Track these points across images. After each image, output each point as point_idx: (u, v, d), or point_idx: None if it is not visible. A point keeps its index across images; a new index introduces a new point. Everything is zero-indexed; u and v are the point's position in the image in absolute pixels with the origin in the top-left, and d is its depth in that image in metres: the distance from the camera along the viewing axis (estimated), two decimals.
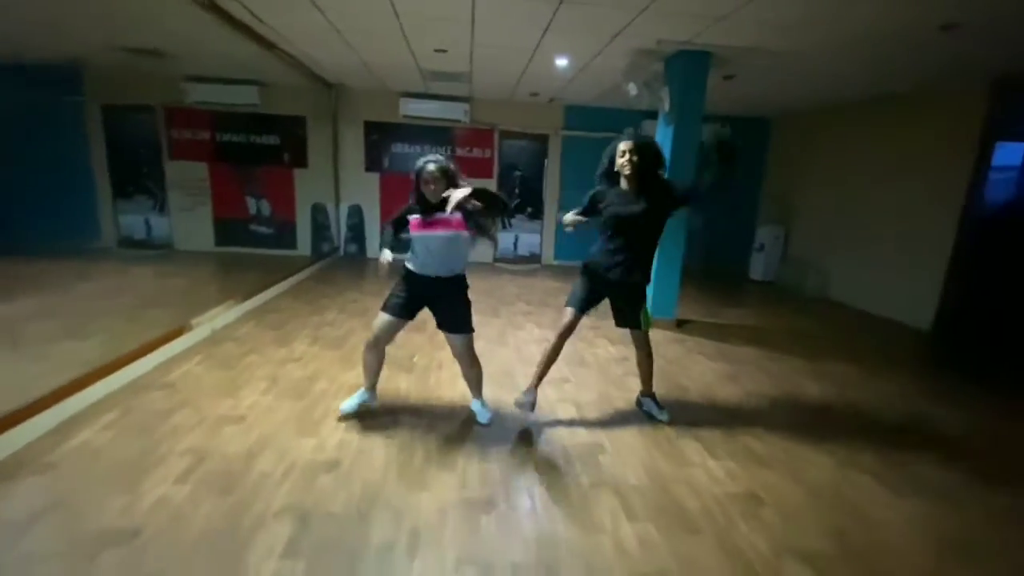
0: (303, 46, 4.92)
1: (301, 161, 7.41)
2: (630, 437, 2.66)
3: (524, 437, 2.61)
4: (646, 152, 2.61)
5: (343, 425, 2.60)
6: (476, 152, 7.59)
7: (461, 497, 2.08)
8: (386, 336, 2.61)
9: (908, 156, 5.46)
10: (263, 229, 7.57)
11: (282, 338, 3.86)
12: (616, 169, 2.67)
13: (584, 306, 2.76)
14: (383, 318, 2.56)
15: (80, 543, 1.71)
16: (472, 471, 2.26)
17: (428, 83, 6.36)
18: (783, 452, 2.58)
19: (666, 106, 4.46)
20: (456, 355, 2.68)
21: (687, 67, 4.27)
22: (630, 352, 3.90)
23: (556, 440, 2.60)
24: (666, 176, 2.78)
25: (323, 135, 7.30)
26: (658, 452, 2.51)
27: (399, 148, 7.47)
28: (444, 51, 4.74)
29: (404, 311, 2.57)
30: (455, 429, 2.63)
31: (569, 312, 2.75)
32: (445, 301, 2.58)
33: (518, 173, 7.72)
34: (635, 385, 3.29)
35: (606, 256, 2.71)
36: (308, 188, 7.49)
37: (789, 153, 7.39)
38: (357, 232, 7.72)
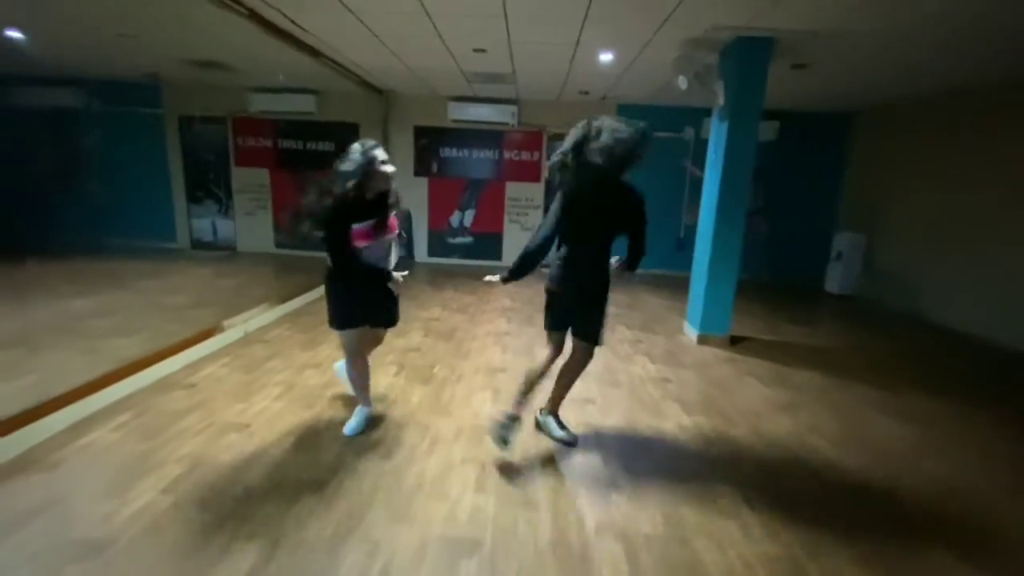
0: (347, 52, 4.97)
1: None
2: (652, 474, 2.33)
3: (529, 466, 2.36)
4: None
5: (343, 441, 2.48)
6: (524, 155, 7.41)
7: (445, 534, 1.87)
8: (364, 348, 2.59)
9: (1017, 156, 4.63)
10: (317, 232, 7.79)
11: (309, 342, 3.86)
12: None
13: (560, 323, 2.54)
14: (350, 334, 2.46)
15: (54, 551, 1.69)
16: (463, 505, 2.05)
17: (474, 86, 6.26)
18: (841, 508, 2.15)
19: (720, 100, 4.04)
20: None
21: (745, 56, 3.83)
22: (673, 373, 3.57)
23: (564, 471, 2.33)
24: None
25: (375, 140, 7.40)
26: (683, 495, 2.18)
27: (448, 152, 7.45)
28: (483, 51, 4.60)
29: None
30: (458, 452, 2.44)
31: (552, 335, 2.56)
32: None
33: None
34: (672, 412, 2.95)
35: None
36: None
37: (873, 152, 6.57)
38: (407, 236, 7.75)
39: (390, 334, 4.10)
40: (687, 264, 5.46)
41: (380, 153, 2.25)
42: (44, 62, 6.25)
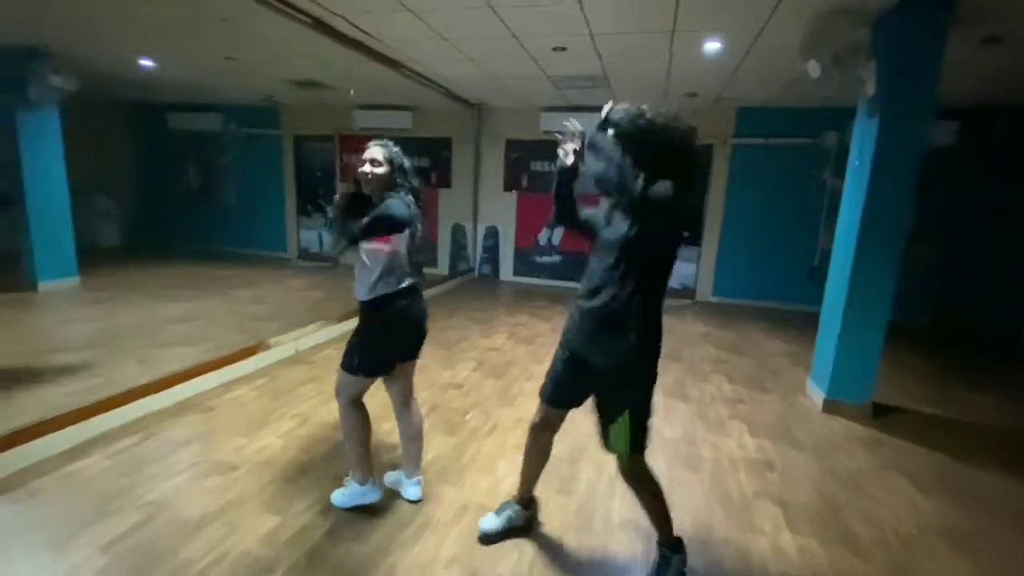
0: (422, 61, 4.75)
1: (445, 182, 7.47)
2: None
3: None
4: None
5: (323, 504, 2.05)
6: None
7: None
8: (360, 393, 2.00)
9: None
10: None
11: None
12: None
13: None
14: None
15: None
16: None
17: (565, 93, 5.72)
18: None
19: (871, 89, 3.02)
20: None
21: (910, 26, 2.82)
22: (780, 455, 2.63)
23: None
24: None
25: (466, 155, 7.23)
26: None
27: (537, 166, 6.99)
28: (563, 49, 4.05)
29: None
30: (449, 549, 1.87)
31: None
32: None
33: None
34: (768, 522, 2.09)
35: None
36: (450, 208, 7.50)
37: None
38: (492, 253, 7.44)
39: (438, 364, 3.78)
40: (819, 299, 4.34)
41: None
42: (185, 90, 7.09)
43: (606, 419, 1.65)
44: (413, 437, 2.08)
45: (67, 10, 3.81)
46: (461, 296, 6.19)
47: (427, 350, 3.99)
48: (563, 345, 1.75)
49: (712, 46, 3.79)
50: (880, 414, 3.16)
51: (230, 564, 1.70)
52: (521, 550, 1.86)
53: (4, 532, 1.82)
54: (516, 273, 7.32)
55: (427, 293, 5.92)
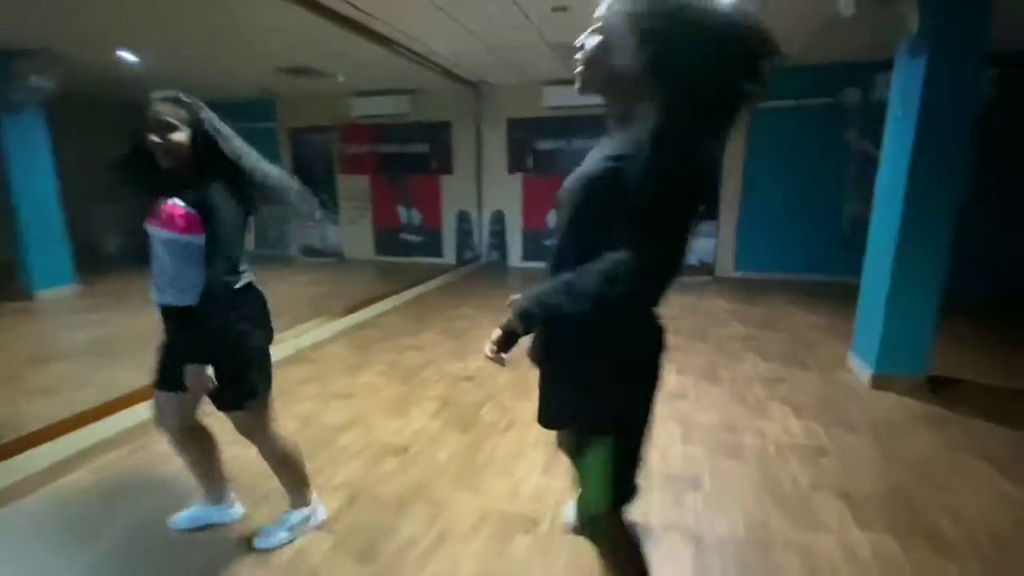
0: (419, 36, 4.45)
1: (447, 167, 7.18)
2: None
3: None
4: None
5: (332, 512, 1.82)
6: None
7: None
8: (172, 416, 1.63)
9: None
10: (413, 237, 7.57)
11: (355, 365, 3.34)
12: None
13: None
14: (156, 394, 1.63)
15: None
16: None
17: (566, 62, 5.38)
18: None
19: (914, 27, 2.68)
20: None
21: None
22: (832, 438, 2.35)
23: None
24: None
25: (467, 138, 6.94)
26: None
27: (543, 145, 6.67)
28: (564, 8, 3.74)
29: (166, 379, 1.57)
30: (467, 555, 1.62)
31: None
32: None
33: None
34: (832, 516, 1.82)
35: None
36: (453, 194, 7.22)
37: None
38: (499, 239, 7.16)
39: (447, 355, 3.54)
40: (853, 267, 3.97)
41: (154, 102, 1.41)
42: (180, 86, 6.83)
43: None
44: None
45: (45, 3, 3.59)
46: (469, 285, 5.94)
47: (437, 341, 3.83)
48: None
49: None
50: (939, 388, 2.86)
51: None
52: (551, 559, 1.61)
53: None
54: (525, 258, 7.03)
55: (434, 283, 5.75)
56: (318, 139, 7.70)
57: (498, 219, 7.08)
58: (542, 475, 2.08)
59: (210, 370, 1.40)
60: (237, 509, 1.82)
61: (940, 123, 2.64)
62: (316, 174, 7.80)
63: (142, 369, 3.13)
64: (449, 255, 7.37)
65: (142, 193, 1.47)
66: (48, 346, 3.83)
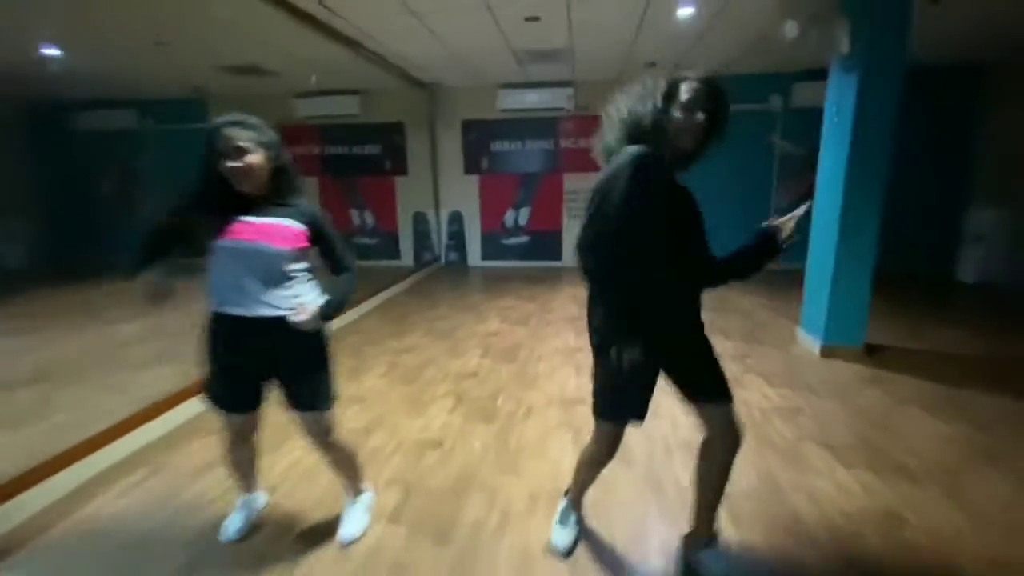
0: (386, 41, 4.46)
1: (401, 168, 7.15)
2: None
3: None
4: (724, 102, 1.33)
5: (394, 507, 1.90)
6: (583, 143, 6.67)
7: None
8: (249, 434, 1.68)
9: None
10: (367, 240, 7.45)
11: (354, 371, 3.35)
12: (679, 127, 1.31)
13: (646, 407, 1.44)
14: (224, 415, 1.61)
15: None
16: None
17: (526, 68, 5.61)
18: None
19: (845, 47, 3.16)
20: (305, 435, 1.67)
21: None
22: (804, 401, 2.75)
23: None
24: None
25: (421, 139, 6.95)
26: None
27: (498, 146, 6.84)
28: (536, 19, 3.94)
29: (233, 399, 1.57)
30: (535, 530, 1.79)
31: (614, 429, 1.49)
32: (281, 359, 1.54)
33: None
34: (822, 463, 2.17)
35: (659, 295, 1.39)
36: (409, 196, 7.21)
37: (1020, 109, 5.32)
38: (458, 240, 7.25)
39: (444, 355, 3.64)
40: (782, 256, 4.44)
41: (230, 128, 1.42)
42: (100, 85, 6.28)
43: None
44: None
45: None
46: (434, 286, 6.00)
47: (428, 342, 3.91)
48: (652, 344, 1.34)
49: (685, 10, 3.82)
50: (874, 353, 3.40)
51: None
52: (606, 522, 1.81)
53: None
54: (485, 257, 7.18)
55: (395, 287, 5.74)
56: None
57: (456, 220, 7.17)
58: (574, 453, 2.27)
59: None
60: (264, 494, 1.92)
61: (870, 128, 3.14)
62: None
63: (113, 388, 2.99)
64: (407, 257, 7.34)
65: (216, 216, 1.47)
66: None
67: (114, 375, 3.31)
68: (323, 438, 1.67)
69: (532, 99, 6.36)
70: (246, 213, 1.45)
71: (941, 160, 5.91)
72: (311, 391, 1.56)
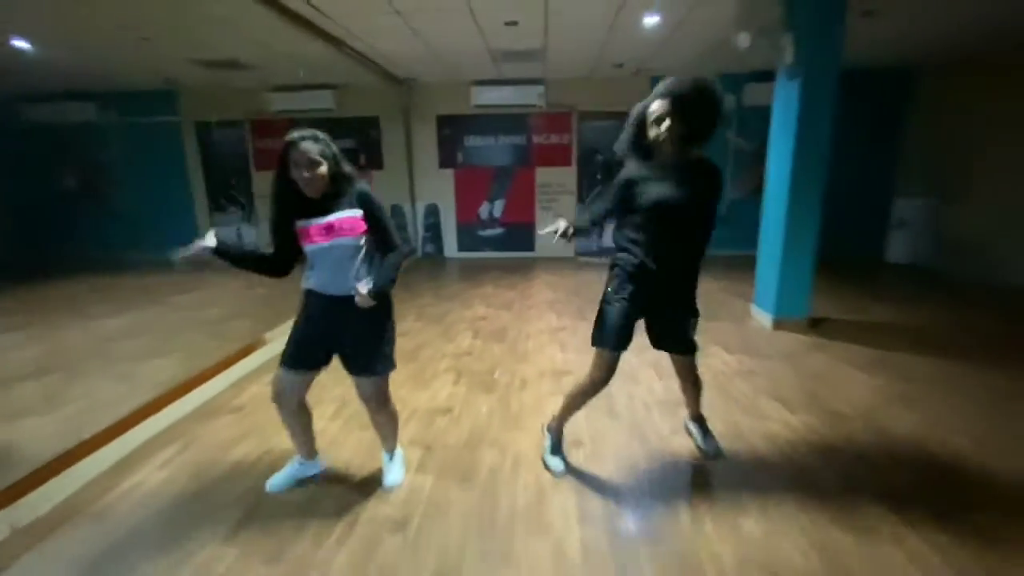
0: (368, 38, 4.64)
1: (377, 162, 7.29)
2: (778, 489, 1.99)
3: (633, 488, 2.04)
4: (695, 109, 1.72)
5: (413, 463, 2.19)
6: (554, 138, 7.01)
7: (557, 571, 1.57)
8: (300, 392, 1.91)
9: None
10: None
11: None
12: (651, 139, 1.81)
13: (626, 340, 1.91)
14: (279, 373, 1.86)
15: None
16: (571, 540, 1.74)
17: (500, 66, 5.88)
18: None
19: (789, 57, 3.60)
20: (361, 397, 1.95)
21: (819, 3, 3.40)
22: (758, 364, 3.20)
23: (675, 496, 2.00)
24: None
25: (397, 134, 7.11)
26: (825, 515, 1.83)
27: (472, 141, 7.10)
28: (515, 23, 4.22)
29: (304, 360, 1.84)
30: (545, 475, 2.12)
31: (607, 356, 1.93)
32: (349, 332, 1.82)
33: (600, 157, 7.04)
34: (773, 411, 2.60)
35: (648, 258, 1.85)
36: (385, 189, 7.33)
37: (941, 108, 6.02)
38: (434, 232, 7.47)
39: (437, 338, 3.91)
40: (733, 242, 4.95)
41: (301, 142, 1.65)
42: (61, 77, 6.11)
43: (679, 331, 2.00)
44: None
45: None
46: (415, 277, 6.22)
47: (420, 326, 4.18)
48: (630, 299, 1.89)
49: (651, 20, 4.19)
50: (816, 325, 3.91)
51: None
52: (600, 463, 2.16)
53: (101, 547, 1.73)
54: (461, 249, 7.44)
55: None
56: (230, 133, 7.32)
57: (432, 212, 7.38)
58: None
59: None
60: (322, 461, 2.15)
61: (813, 125, 3.60)
62: (229, 170, 7.43)
63: (118, 378, 3.12)
64: None
65: (290, 218, 1.73)
66: None
67: (113, 367, 3.41)
68: (377, 400, 1.94)
69: (505, 96, 6.64)
70: (315, 214, 1.71)
71: (873, 154, 6.59)
72: (369, 358, 1.84)
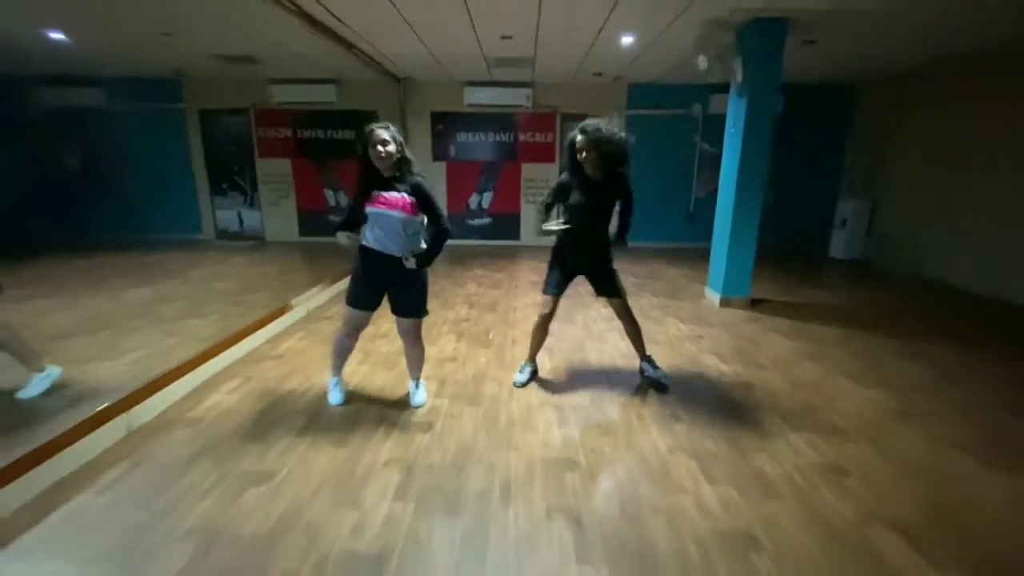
0: (379, 45, 5.19)
1: None
2: (705, 408, 2.69)
3: (597, 405, 2.72)
4: (604, 145, 2.58)
5: (432, 391, 2.82)
6: (538, 137, 7.66)
7: (546, 456, 2.23)
8: (361, 327, 2.58)
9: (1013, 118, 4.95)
10: (339, 218, 8.04)
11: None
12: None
13: (562, 289, 2.89)
14: (350, 312, 2.50)
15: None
16: (553, 435, 2.41)
17: (492, 70, 6.48)
18: (870, 428, 2.53)
19: (739, 77, 4.32)
20: (401, 332, 2.62)
21: (762, 36, 4.11)
22: (704, 331, 3.93)
23: (632, 410, 2.68)
24: (628, 170, 2.77)
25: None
26: (734, 423, 2.54)
27: (464, 137, 7.69)
28: (510, 37, 4.84)
29: (367, 301, 2.48)
30: (535, 397, 2.78)
31: (547, 298, 2.90)
32: (396, 284, 2.47)
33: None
34: (711, 363, 3.31)
35: (570, 233, 2.76)
36: None
37: (877, 120, 6.88)
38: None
39: (441, 307, 4.52)
40: (698, 236, 5.65)
41: (379, 131, 2.28)
42: (71, 63, 6.44)
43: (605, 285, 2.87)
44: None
45: None
46: None
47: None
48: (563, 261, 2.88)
49: (627, 39, 4.87)
50: (756, 304, 4.67)
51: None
52: (575, 377, 2.83)
53: (200, 444, 2.32)
54: (452, 236, 8.01)
55: None
56: (234, 121, 7.74)
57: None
58: (552, 361, 3.28)
59: None
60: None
61: (754, 136, 4.33)
62: (232, 157, 7.85)
63: (168, 333, 3.64)
64: None
65: (367, 188, 2.34)
66: (47, 328, 3.91)
67: (158, 326, 3.92)
68: (414, 336, 2.58)
69: (495, 96, 7.25)
70: (383, 188, 2.32)
71: (820, 160, 7.44)
72: (412, 304, 2.49)
